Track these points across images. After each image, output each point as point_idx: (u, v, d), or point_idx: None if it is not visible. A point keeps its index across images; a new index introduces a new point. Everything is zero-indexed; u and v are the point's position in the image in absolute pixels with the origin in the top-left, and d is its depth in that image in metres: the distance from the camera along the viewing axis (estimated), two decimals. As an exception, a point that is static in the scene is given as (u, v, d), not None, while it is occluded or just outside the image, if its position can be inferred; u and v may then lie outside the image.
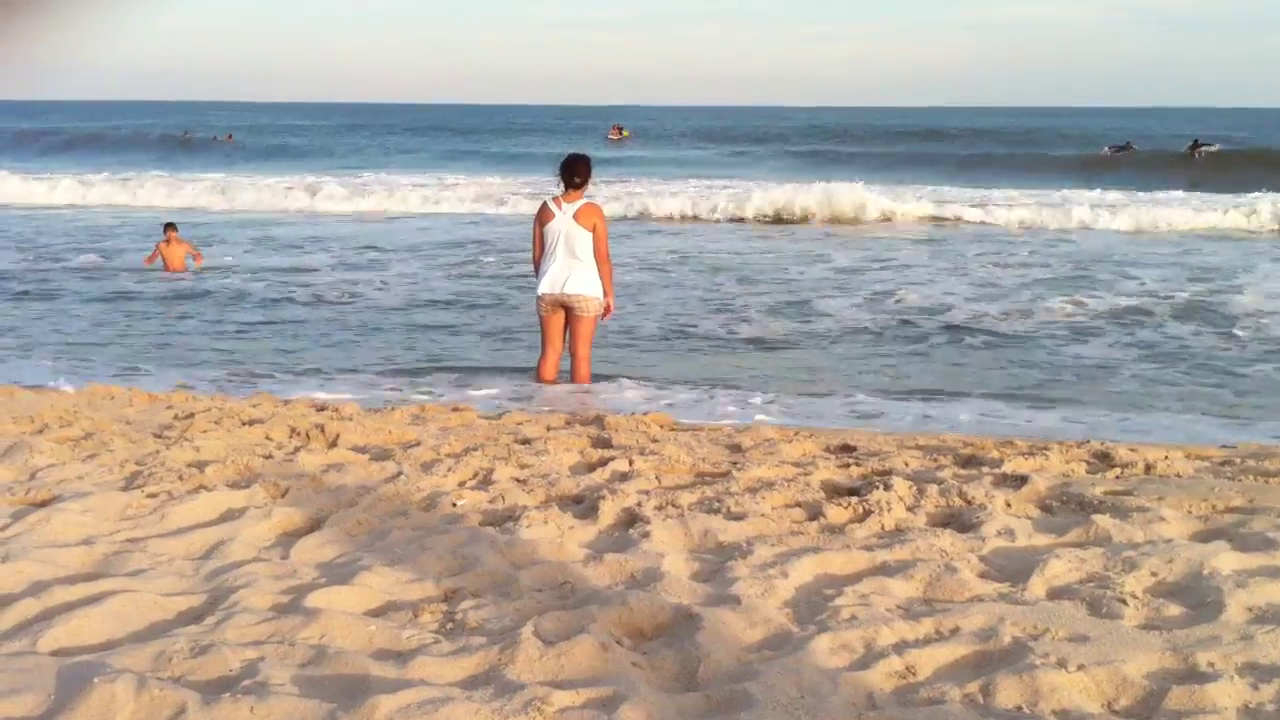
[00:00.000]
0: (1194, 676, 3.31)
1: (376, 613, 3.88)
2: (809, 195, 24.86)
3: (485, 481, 5.49)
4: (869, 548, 4.47)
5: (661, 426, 6.95)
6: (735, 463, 5.86)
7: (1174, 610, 3.84)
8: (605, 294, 8.80)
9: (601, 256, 8.76)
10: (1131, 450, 6.06)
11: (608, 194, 25.78)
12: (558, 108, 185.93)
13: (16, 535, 4.58)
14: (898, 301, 13.44)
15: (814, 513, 4.99)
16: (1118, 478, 5.60)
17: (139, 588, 4.01)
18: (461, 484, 5.47)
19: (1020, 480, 5.38)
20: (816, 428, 7.32)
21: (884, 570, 4.23)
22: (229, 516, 4.91)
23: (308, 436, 6.48)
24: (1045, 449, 6.13)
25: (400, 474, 5.55)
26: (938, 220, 23.84)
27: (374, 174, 37.40)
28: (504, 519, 4.87)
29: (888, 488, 5.15)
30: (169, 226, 16.45)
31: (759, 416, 7.85)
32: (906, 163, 40.39)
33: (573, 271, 8.71)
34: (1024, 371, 9.72)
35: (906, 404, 8.38)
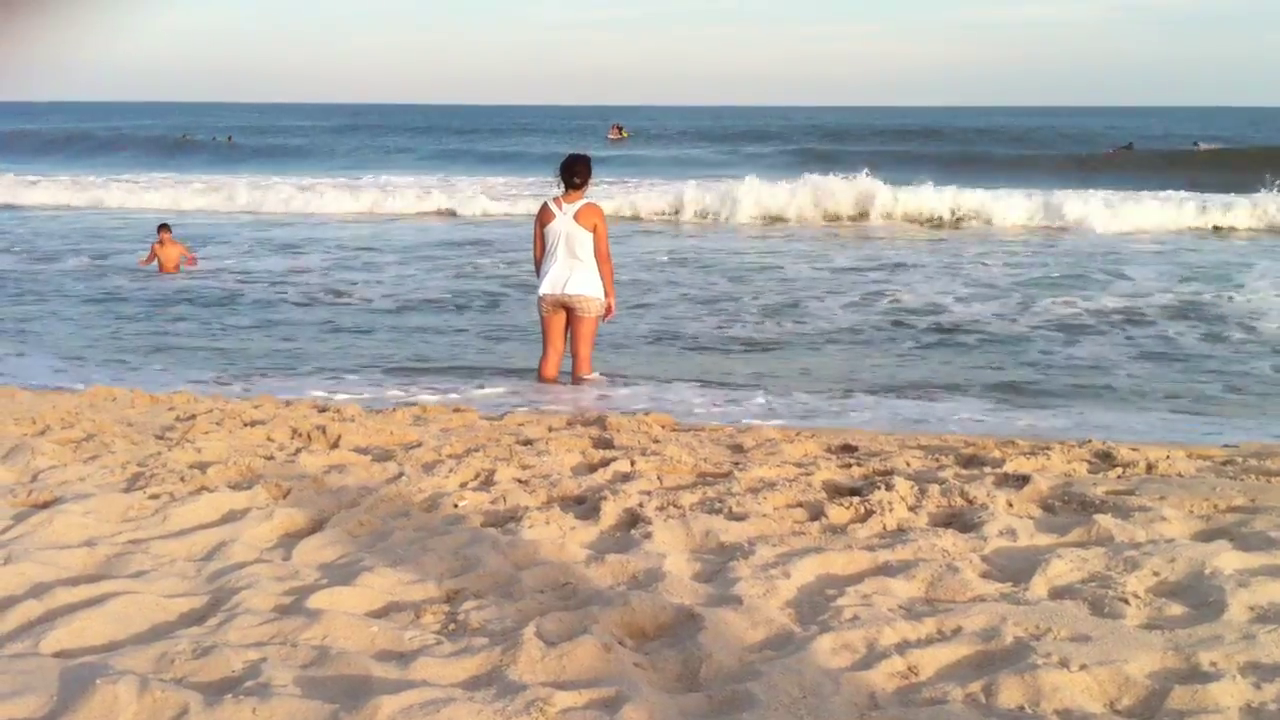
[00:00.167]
0: (1196, 676, 3.31)
1: (378, 614, 3.88)
2: (805, 193, 24.83)
3: (487, 482, 5.49)
4: (871, 548, 4.47)
5: (663, 427, 6.95)
6: (737, 463, 5.86)
7: (1176, 610, 3.84)
8: (606, 294, 8.81)
9: (602, 257, 8.77)
10: (1133, 450, 6.06)
11: (605, 194, 25.74)
12: (558, 108, 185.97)
13: (18, 537, 4.58)
14: (892, 301, 13.44)
15: (816, 513, 4.99)
16: (1119, 477, 5.60)
17: (141, 589, 4.01)
18: (463, 485, 5.47)
19: (1022, 480, 5.38)
20: (818, 428, 7.32)
21: (886, 570, 4.23)
22: (231, 518, 4.91)
23: (309, 438, 6.48)
24: (1047, 449, 6.13)
25: (402, 475, 5.55)
26: (934, 219, 23.80)
27: (373, 174, 37.37)
28: (506, 520, 4.87)
29: (889, 488, 5.15)
30: (162, 228, 16.47)
31: (749, 419, 7.84)
32: (905, 162, 40.35)
33: (574, 272, 8.71)
34: (1017, 370, 9.72)
35: (899, 402, 8.36)
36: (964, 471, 5.71)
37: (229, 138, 60.12)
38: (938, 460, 6.02)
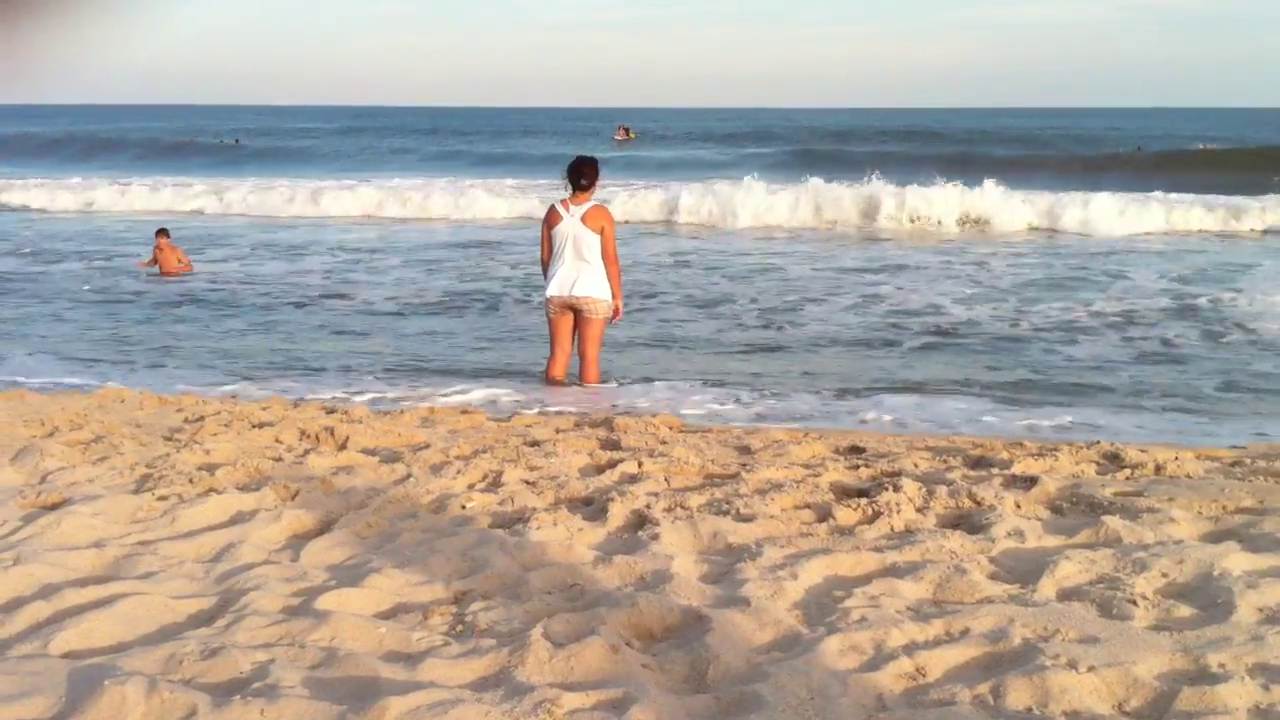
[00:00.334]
0: (1205, 678, 3.30)
1: (386, 615, 3.89)
2: (807, 200, 24.82)
3: (494, 484, 5.50)
4: (878, 549, 4.46)
5: (670, 428, 6.95)
6: (744, 464, 5.86)
7: (1185, 611, 3.83)
8: (613, 296, 8.81)
9: (610, 259, 8.77)
10: (1141, 451, 6.05)
11: (608, 195, 25.72)
12: (562, 110, 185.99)
13: (27, 538, 4.59)
14: (894, 303, 13.41)
15: (823, 514, 4.98)
16: (1128, 479, 5.59)
17: (149, 590, 4.02)
18: (471, 486, 5.48)
19: (1030, 481, 5.38)
20: (825, 429, 7.32)
21: (893, 572, 4.23)
22: (239, 519, 4.92)
23: (317, 439, 6.49)
24: (1055, 450, 6.12)
25: (410, 476, 5.55)
26: (937, 220, 23.70)
27: (380, 177, 37.38)
28: (513, 521, 4.87)
29: (897, 489, 5.15)
30: (160, 233, 16.50)
31: (754, 421, 7.84)
32: (906, 163, 40.33)
33: (581, 274, 8.71)
34: (1018, 371, 9.70)
35: (901, 405, 8.33)
36: (972, 473, 5.70)
37: (236, 140, 60.21)
38: (945, 461, 6.01)
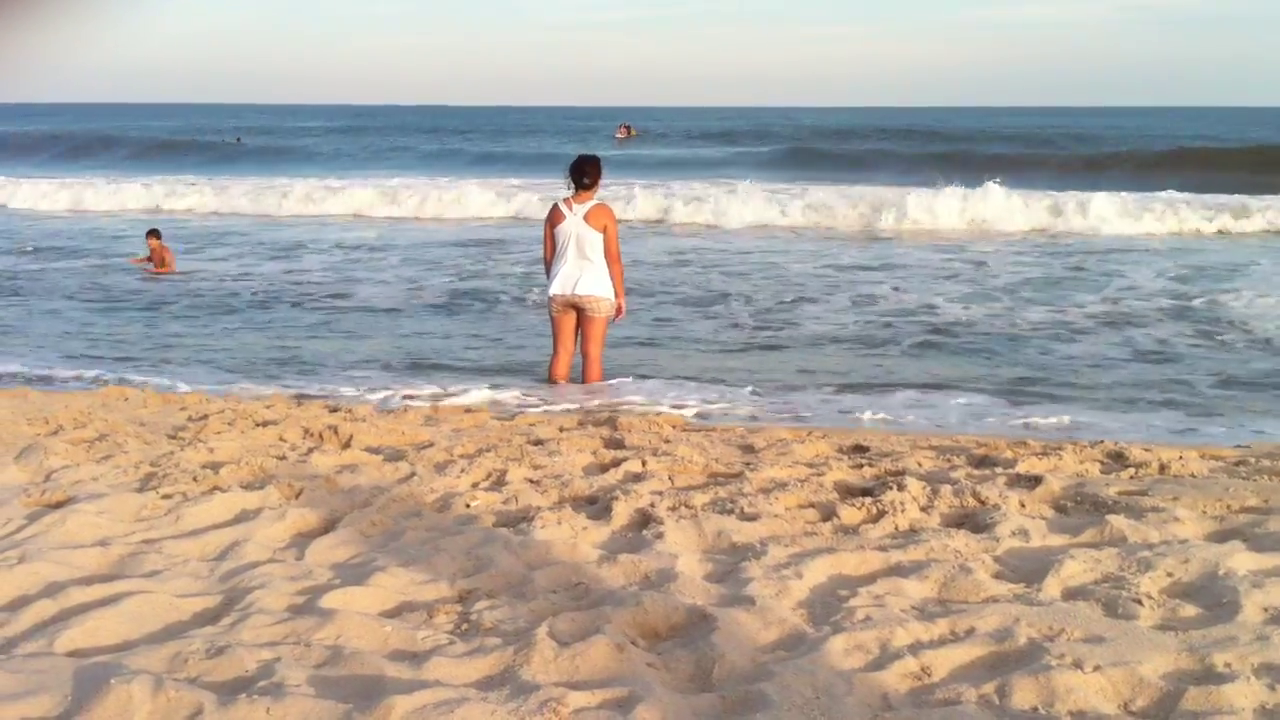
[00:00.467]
0: (1210, 677, 3.30)
1: (391, 613, 3.89)
2: (805, 200, 24.82)
3: (499, 482, 5.50)
4: (883, 548, 4.47)
5: (674, 427, 6.95)
6: (748, 463, 5.86)
7: (1190, 611, 3.83)
8: (616, 295, 8.81)
9: (612, 257, 8.77)
10: (1146, 450, 6.04)
11: (612, 195, 25.69)
12: (565, 109, 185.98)
13: (32, 537, 4.59)
14: (893, 302, 13.40)
15: (827, 513, 4.98)
16: (1132, 478, 5.59)
17: (155, 589, 4.02)
18: (475, 485, 5.48)
19: (1034, 480, 5.37)
20: (828, 428, 7.32)
21: (898, 571, 4.23)
22: (244, 518, 4.93)
23: (321, 438, 6.49)
24: (1059, 449, 6.12)
25: (414, 475, 5.56)
26: (936, 219, 23.63)
27: (381, 175, 37.38)
28: (518, 520, 4.87)
29: (901, 488, 5.15)
30: (152, 234, 16.52)
31: (756, 419, 7.84)
32: (907, 161, 40.30)
33: (584, 273, 8.71)
34: (1015, 369, 9.70)
35: (901, 404, 8.33)
36: (976, 472, 5.70)
37: (237, 138, 60.21)
38: (949, 461, 6.01)
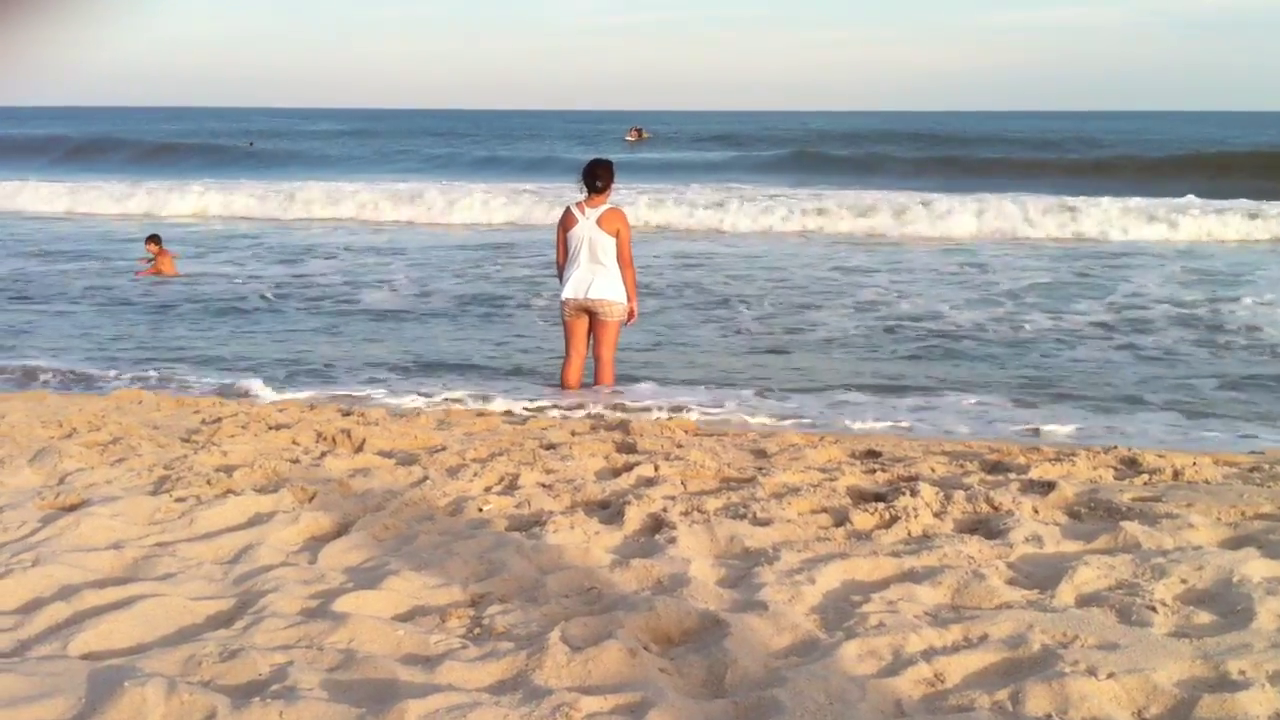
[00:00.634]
0: (1225, 685, 3.29)
1: (404, 617, 3.90)
2: (809, 206, 24.81)
3: (511, 486, 5.50)
4: (896, 554, 4.46)
5: (686, 431, 6.95)
6: (761, 468, 5.86)
7: (1204, 618, 3.82)
8: (629, 299, 8.81)
9: (625, 261, 8.77)
10: (1159, 456, 6.03)
11: (621, 198, 25.66)
12: (574, 113, 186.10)
13: (46, 540, 4.61)
14: (899, 307, 13.37)
15: (840, 519, 4.98)
16: (1146, 484, 5.57)
17: (168, 592, 4.03)
18: (487, 489, 5.49)
19: (1048, 486, 5.36)
20: (841, 433, 7.31)
21: (911, 577, 4.22)
22: (257, 521, 4.94)
23: (334, 441, 6.51)
24: (1072, 455, 6.10)
25: (426, 479, 5.56)
26: (944, 226, 23.57)
27: (390, 179, 37.39)
28: (530, 524, 4.88)
29: (914, 494, 5.14)
30: (151, 239, 16.55)
31: (769, 423, 7.83)
32: (921, 166, 40.27)
33: (596, 277, 8.71)
34: (1022, 374, 9.68)
35: (907, 408, 8.31)
36: (989, 477, 5.69)
37: (250, 143, 60.35)
38: (962, 466, 6.00)
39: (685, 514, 4.96)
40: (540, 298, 13.95)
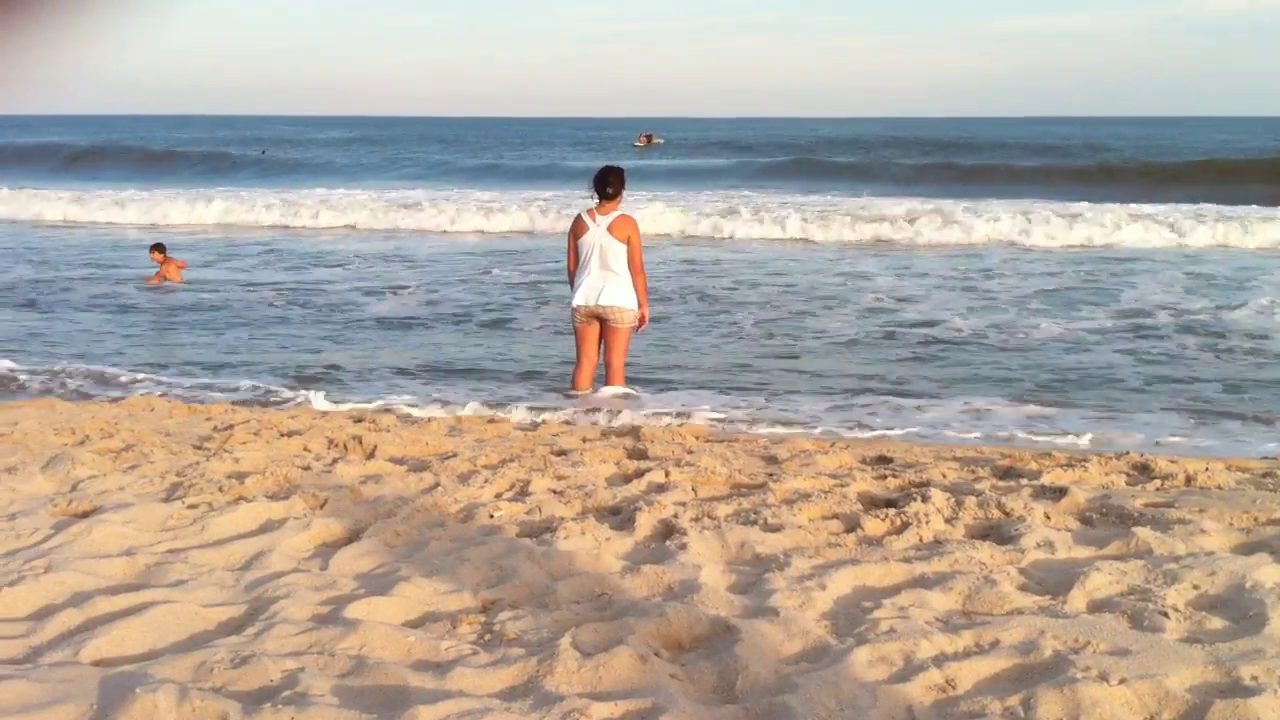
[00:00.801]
0: (1237, 690, 3.28)
1: (415, 624, 3.90)
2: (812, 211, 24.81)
3: (522, 493, 5.51)
4: (907, 560, 4.45)
5: (697, 437, 6.95)
6: (771, 474, 5.86)
7: (1216, 623, 3.81)
8: (640, 305, 8.82)
9: (636, 268, 8.78)
10: (1171, 462, 6.01)
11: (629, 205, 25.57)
12: (586, 120, 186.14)
13: (59, 546, 4.63)
14: (905, 311, 13.36)
15: (851, 524, 4.97)
16: (1158, 490, 5.56)
17: (180, 598, 4.04)
18: (498, 495, 5.49)
19: (1059, 492, 5.35)
20: (852, 439, 7.30)
21: (922, 582, 4.22)
22: (268, 527, 4.95)
23: (346, 448, 6.52)
24: (1084, 460, 6.09)
25: (438, 485, 5.57)
26: (951, 231, 23.50)
27: (398, 186, 37.45)
28: (541, 530, 4.88)
29: (925, 499, 5.13)
30: (155, 248, 16.61)
31: (780, 428, 7.83)
32: (930, 173, 40.24)
33: (607, 283, 8.72)
34: (1032, 379, 9.66)
35: (912, 412, 8.30)
36: (1000, 483, 5.68)
37: (262, 151, 60.52)
38: (974, 472, 5.99)
39: (696, 520, 4.96)
40: (548, 304, 13.96)
